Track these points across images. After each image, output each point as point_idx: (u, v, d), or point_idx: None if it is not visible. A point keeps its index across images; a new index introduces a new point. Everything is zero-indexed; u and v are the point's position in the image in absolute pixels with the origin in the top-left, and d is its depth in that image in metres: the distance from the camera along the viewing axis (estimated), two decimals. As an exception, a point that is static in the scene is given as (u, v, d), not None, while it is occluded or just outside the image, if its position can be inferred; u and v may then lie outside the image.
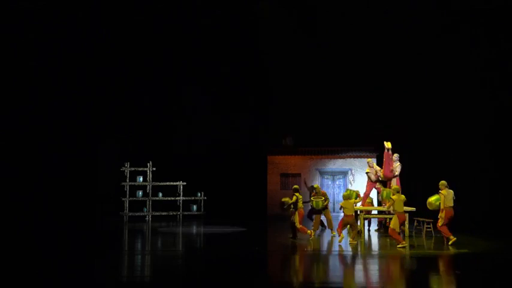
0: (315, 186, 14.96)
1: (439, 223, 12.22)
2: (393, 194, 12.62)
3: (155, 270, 9.39)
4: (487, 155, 19.79)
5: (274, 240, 14.64)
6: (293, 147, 24.02)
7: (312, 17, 23.17)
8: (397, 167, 15.03)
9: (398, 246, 11.92)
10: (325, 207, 14.42)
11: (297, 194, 13.41)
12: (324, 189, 21.60)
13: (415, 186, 15.65)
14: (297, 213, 13.40)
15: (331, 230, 14.49)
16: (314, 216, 14.52)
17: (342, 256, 11.27)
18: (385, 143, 15.18)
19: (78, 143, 22.40)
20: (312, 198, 14.06)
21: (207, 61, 24.02)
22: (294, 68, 24.22)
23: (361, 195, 15.48)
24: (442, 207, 12.21)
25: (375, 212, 16.53)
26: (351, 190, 14.96)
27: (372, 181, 15.59)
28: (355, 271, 9.63)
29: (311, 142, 23.89)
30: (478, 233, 14.59)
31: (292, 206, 13.36)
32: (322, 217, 14.80)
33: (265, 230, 17.33)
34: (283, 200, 13.41)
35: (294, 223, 13.33)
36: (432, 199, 12.55)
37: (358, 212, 14.70)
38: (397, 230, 12.17)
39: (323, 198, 14.13)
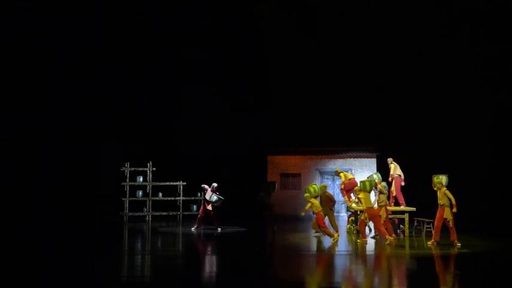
0: (337, 170, 14.98)
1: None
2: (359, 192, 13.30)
3: (155, 270, 9.39)
4: (487, 154, 19.81)
5: (274, 240, 14.62)
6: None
7: (312, 17, 23.19)
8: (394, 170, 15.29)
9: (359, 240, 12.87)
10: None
11: (313, 200, 13.48)
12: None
13: (415, 186, 15.65)
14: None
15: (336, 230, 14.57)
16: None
17: (342, 256, 11.28)
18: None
19: (78, 143, 22.41)
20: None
21: (207, 61, 24.03)
22: (294, 68, 24.23)
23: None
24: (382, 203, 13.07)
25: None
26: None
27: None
28: (355, 271, 9.63)
29: (311, 142, 23.89)
30: (478, 233, 14.59)
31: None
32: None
33: (265, 230, 17.30)
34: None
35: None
36: (441, 177, 12.54)
37: (358, 212, 14.70)
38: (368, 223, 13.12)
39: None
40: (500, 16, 19.72)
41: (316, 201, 13.47)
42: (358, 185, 13.75)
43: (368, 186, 13.35)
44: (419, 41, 21.72)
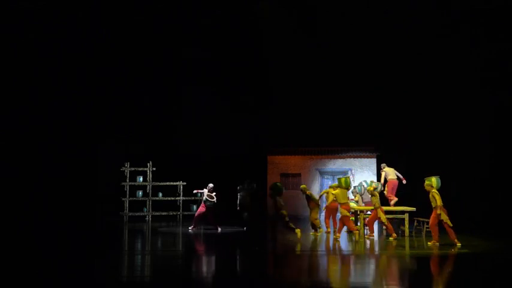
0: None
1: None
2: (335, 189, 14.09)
3: (155, 270, 9.39)
4: (487, 155, 19.81)
5: (274, 240, 14.62)
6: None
7: (312, 17, 23.19)
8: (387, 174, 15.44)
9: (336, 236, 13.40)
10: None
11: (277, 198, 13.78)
12: (324, 190, 21.65)
13: (415, 187, 15.66)
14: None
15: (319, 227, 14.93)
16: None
17: (341, 256, 11.28)
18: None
19: (78, 143, 22.41)
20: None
21: (207, 61, 24.04)
22: (294, 68, 24.24)
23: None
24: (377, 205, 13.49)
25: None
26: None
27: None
28: (353, 271, 9.63)
29: (311, 142, 23.90)
30: (478, 233, 14.59)
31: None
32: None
33: (265, 230, 17.30)
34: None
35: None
36: (432, 179, 12.40)
37: (358, 212, 14.72)
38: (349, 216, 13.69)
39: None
40: (500, 16, 19.71)
41: (280, 200, 13.84)
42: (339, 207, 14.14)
43: (343, 183, 13.80)
44: (419, 41, 21.72)
